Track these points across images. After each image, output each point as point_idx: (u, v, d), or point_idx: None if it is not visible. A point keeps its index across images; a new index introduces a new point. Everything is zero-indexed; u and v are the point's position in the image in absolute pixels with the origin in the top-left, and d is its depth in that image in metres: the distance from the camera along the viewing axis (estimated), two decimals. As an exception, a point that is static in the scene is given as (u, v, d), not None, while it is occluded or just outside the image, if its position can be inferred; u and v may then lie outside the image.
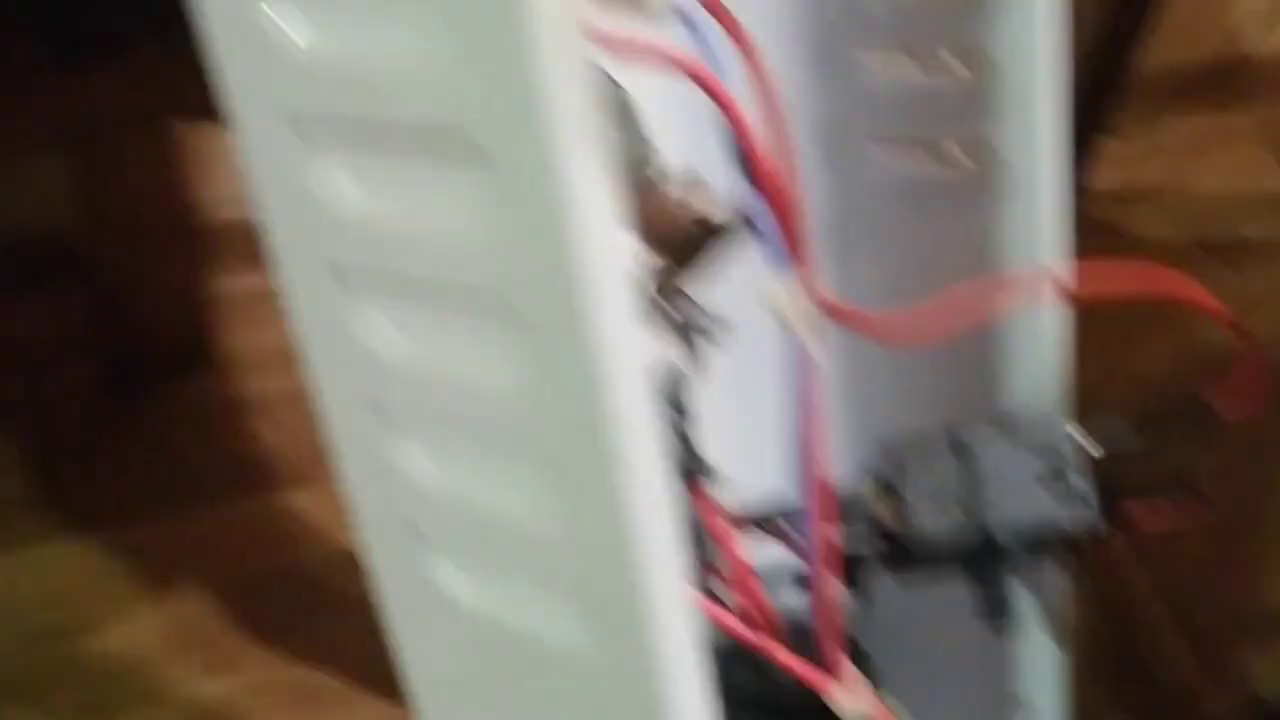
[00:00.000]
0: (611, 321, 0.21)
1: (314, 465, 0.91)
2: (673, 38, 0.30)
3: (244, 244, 1.03)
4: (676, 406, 0.41)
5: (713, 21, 0.30)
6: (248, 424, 0.96)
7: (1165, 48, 0.92)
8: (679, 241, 0.34)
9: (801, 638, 0.33)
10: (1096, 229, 1.10)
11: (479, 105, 0.20)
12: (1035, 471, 0.38)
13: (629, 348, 0.22)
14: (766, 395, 0.32)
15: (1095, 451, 0.38)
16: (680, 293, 0.34)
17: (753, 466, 0.35)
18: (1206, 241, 1.09)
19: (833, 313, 0.32)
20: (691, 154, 0.32)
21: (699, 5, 0.30)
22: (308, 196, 0.24)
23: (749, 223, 0.31)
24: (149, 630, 0.81)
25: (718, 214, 0.34)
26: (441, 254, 0.23)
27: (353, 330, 0.26)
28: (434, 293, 0.24)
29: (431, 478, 0.27)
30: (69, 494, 0.93)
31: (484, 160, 0.21)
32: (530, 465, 0.25)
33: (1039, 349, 0.39)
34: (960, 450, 0.38)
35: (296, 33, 0.23)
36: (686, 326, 0.36)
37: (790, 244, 0.30)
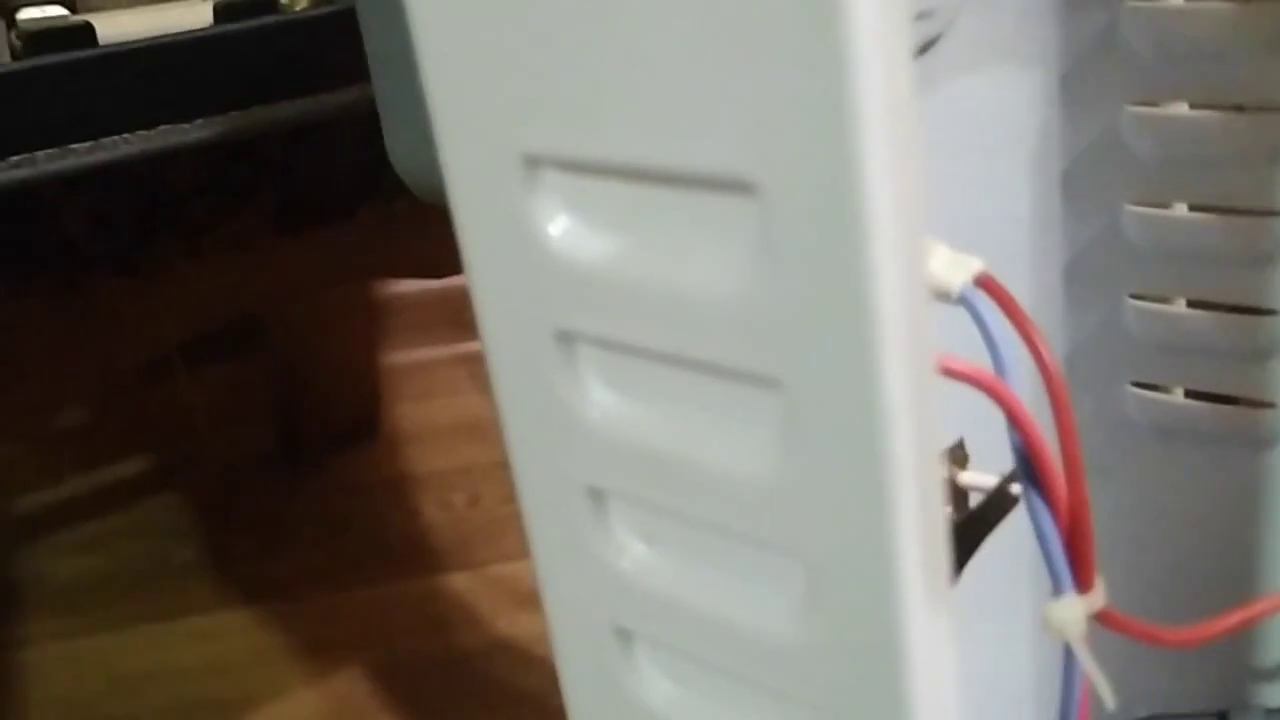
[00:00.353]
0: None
1: (477, 548, 0.91)
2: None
3: (417, 315, 1.03)
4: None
5: (1004, 320, 0.28)
6: (414, 501, 0.97)
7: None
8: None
9: None
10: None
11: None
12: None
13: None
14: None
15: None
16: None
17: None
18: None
19: (1115, 625, 0.30)
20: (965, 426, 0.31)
21: (990, 302, 0.29)
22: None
23: (1038, 539, 0.29)
24: (306, 707, 0.82)
25: (986, 496, 0.32)
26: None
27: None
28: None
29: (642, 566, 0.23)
30: (237, 564, 0.95)
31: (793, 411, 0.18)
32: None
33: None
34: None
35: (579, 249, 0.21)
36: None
37: (1076, 566, 0.29)
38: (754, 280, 0.18)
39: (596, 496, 0.23)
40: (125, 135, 0.37)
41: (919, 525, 0.18)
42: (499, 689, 0.80)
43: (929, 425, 0.18)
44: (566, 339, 0.21)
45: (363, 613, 0.92)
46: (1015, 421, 0.28)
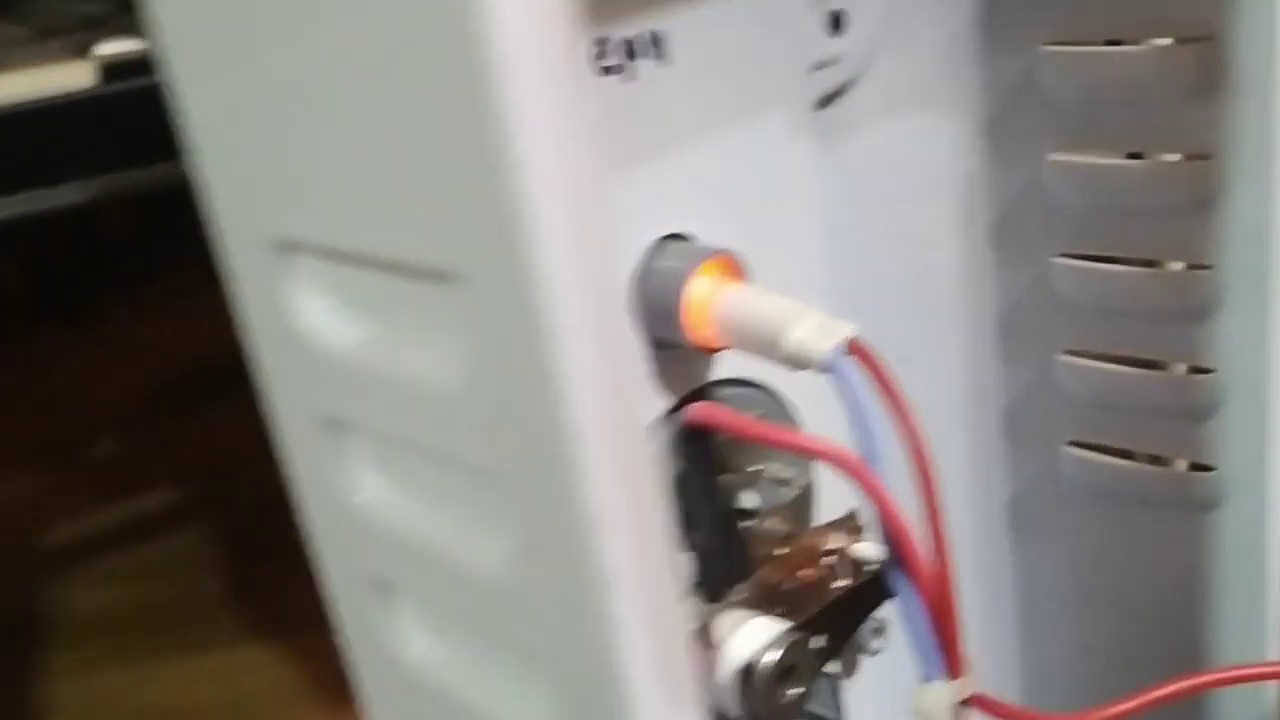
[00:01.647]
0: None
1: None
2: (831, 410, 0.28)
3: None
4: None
5: (874, 395, 0.27)
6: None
7: None
8: (828, 590, 0.32)
9: None
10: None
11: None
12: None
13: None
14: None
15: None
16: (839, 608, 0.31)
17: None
18: None
19: (989, 711, 0.29)
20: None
21: (862, 374, 0.27)
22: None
23: (904, 624, 0.27)
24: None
25: (874, 566, 0.31)
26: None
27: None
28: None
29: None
30: (262, 598, 0.95)
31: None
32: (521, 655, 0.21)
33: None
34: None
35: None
36: (844, 639, 0.33)
37: (944, 652, 0.27)
38: (470, 371, 0.17)
39: (381, 586, 0.22)
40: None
41: (641, 625, 0.17)
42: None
43: (651, 522, 0.17)
44: (332, 423, 0.21)
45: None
46: (876, 505, 0.26)
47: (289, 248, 0.20)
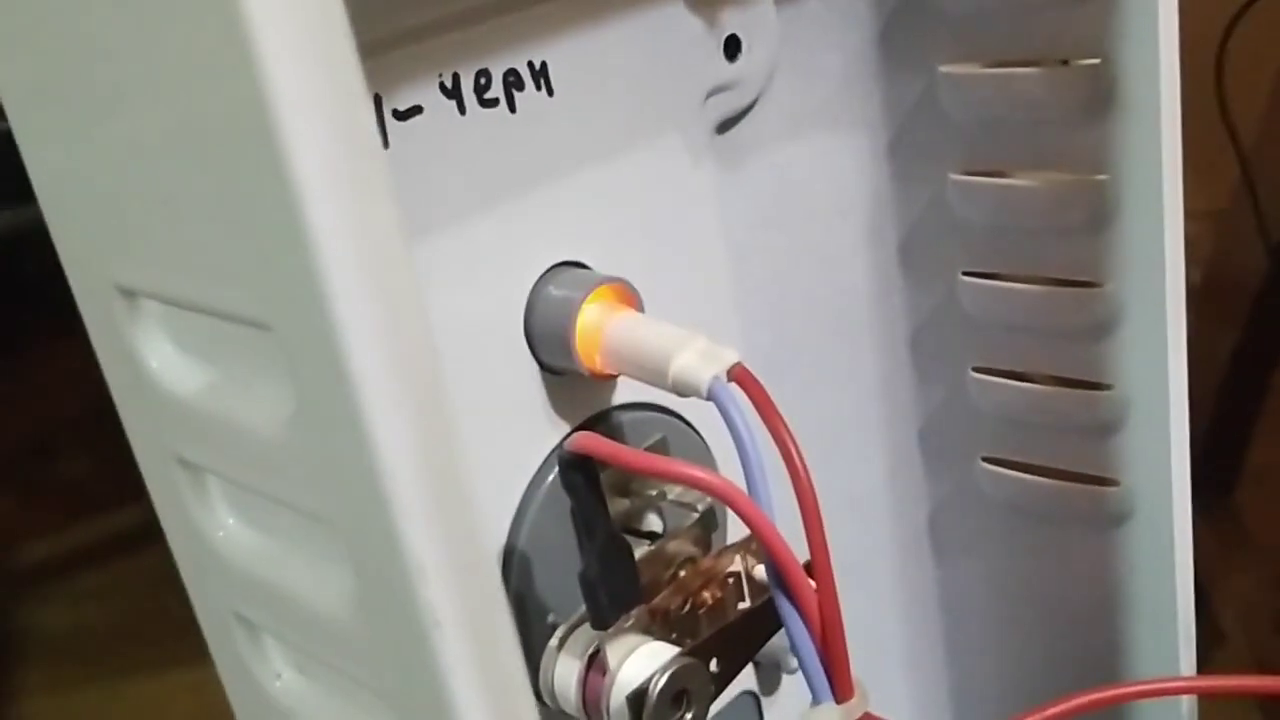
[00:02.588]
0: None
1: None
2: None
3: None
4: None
5: (754, 417, 0.27)
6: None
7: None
8: (729, 612, 0.32)
9: None
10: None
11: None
12: None
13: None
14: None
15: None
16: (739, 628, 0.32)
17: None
18: None
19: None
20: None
21: (743, 401, 0.27)
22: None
23: (792, 648, 0.27)
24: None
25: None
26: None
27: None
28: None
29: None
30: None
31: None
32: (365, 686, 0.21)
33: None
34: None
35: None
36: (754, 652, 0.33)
37: (832, 675, 0.27)
38: (291, 419, 0.17)
39: (244, 621, 0.22)
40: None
41: (471, 668, 0.17)
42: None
43: (474, 566, 0.17)
44: (187, 463, 0.21)
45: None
46: (757, 534, 0.27)
47: (130, 294, 0.20)
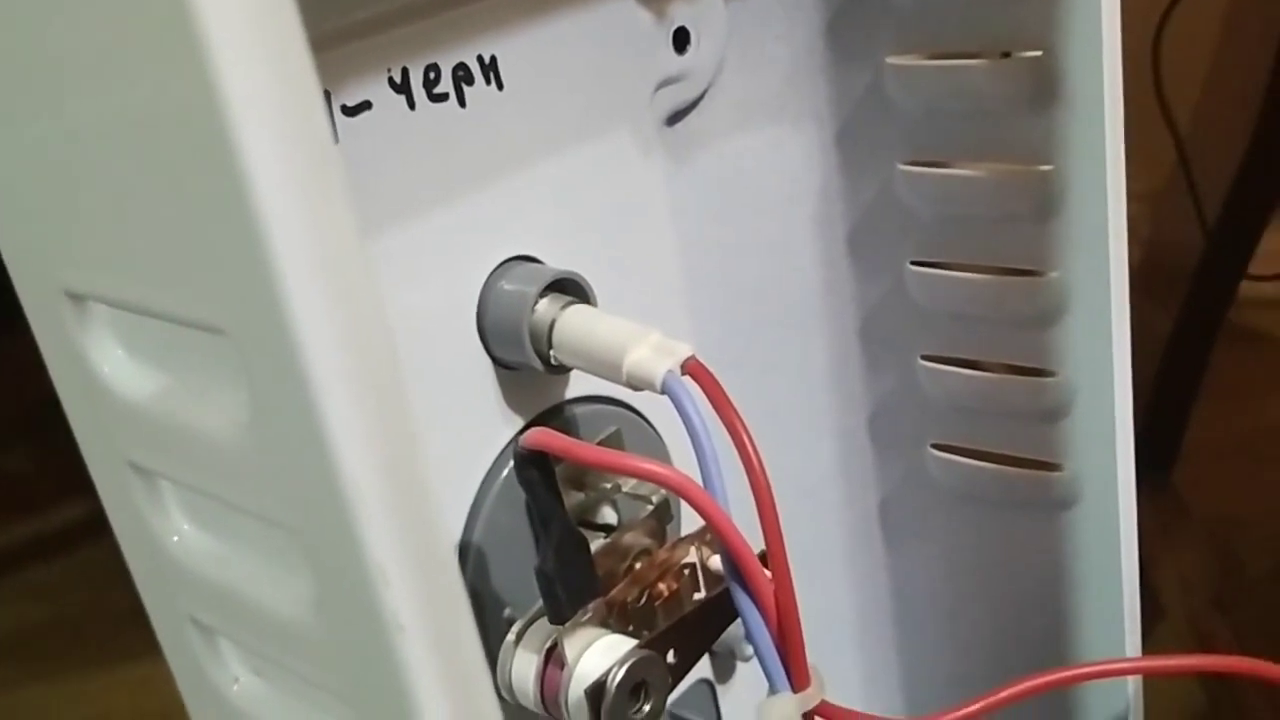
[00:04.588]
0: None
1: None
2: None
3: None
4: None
5: (708, 409, 0.27)
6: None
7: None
8: (688, 589, 0.32)
9: None
10: (1246, 341, 1.04)
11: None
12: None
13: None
14: None
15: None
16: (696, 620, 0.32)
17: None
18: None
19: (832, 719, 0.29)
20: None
21: (697, 393, 0.28)
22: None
23: (748, 638, 0.28)
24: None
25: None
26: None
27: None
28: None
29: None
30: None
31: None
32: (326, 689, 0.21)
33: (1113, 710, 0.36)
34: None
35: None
36: (710, 642, 0.33)
37: (788, 664, 0.27)
38: (248, 424, 0.17)
39: (200, 626, 0.22)
40: None
41: (434, 671, 0.17)
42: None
43: (437, 568, 0.17)
44: (139, 468, 0.21)
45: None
46: (712, 526, 0.27)
47: (79, 298, 0.20)
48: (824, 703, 0.28)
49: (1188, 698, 0.63)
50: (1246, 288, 0.92)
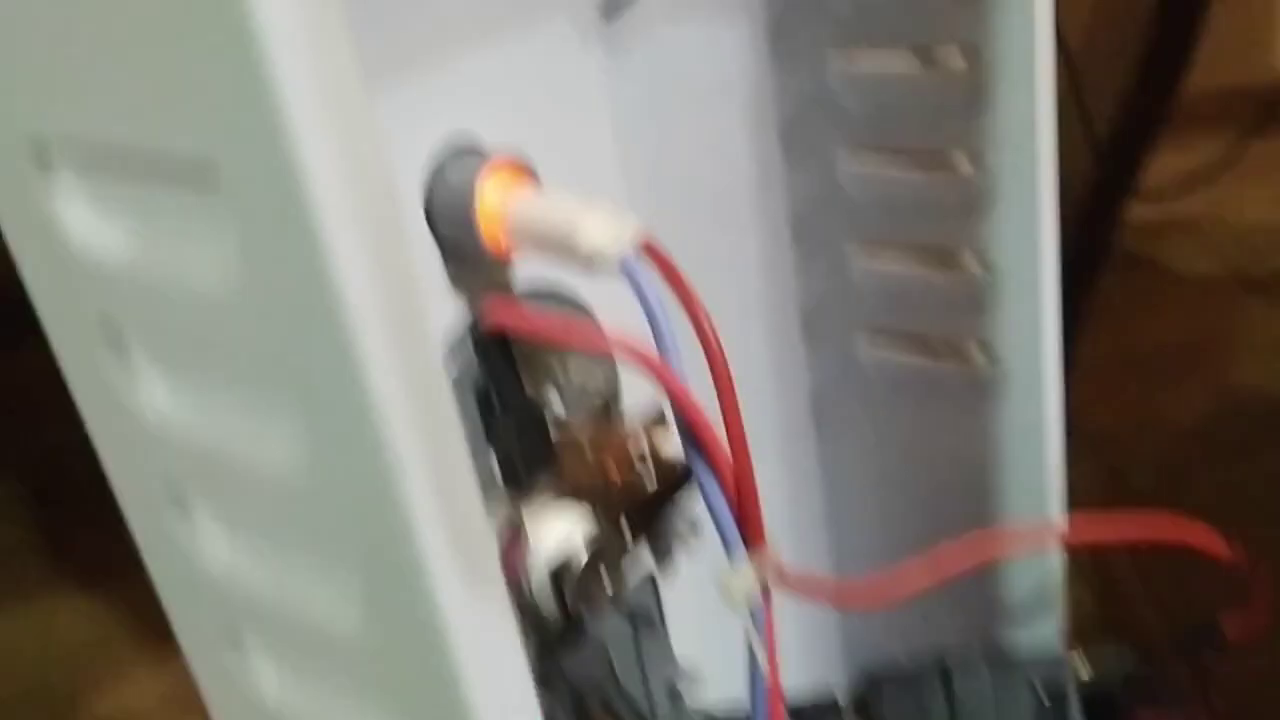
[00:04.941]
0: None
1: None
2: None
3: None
4: (651, 613, 0.39)
5: (663, 287, 0.28)
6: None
7: (1205, 75, 0.90)
8: (640, 477, 0.32)
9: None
10: (1133, 263, 1.07)
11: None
12: (1027, 703, 0.36)
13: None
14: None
15: (1091, 676, 0.36)
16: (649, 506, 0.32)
17: (724, 668, 0.33)
18: (1245, 276, 1.06)
19: (791, 585, 0.30)
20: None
21: (652, 271, 0.28)
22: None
23: (708, 511, 0.28)
24: (148, 694, 0.80)
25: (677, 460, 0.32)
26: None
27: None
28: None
29: (230, 568, 0.23)
30: (75, 548, 0.93)
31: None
32: (317, 553, 0.21)
33: (1038, 585, 0.37)
34: (947, 678, 0.36)
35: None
36: (657, 536, 0.34)
37: (744, 528, 0.28)
38: (239, 275, 0.17)
39: (178, 500, 0.22)
40: None
41: (440, 525, 0.18)
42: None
43: (437, 409, 0.17)
44: (112, 336, 0.20)
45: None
46: (673, 399, 0.27)
47: (46, 156, 0.19)
48: (780, 566, 0.29)
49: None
50: (1136, 210, 0.95)
